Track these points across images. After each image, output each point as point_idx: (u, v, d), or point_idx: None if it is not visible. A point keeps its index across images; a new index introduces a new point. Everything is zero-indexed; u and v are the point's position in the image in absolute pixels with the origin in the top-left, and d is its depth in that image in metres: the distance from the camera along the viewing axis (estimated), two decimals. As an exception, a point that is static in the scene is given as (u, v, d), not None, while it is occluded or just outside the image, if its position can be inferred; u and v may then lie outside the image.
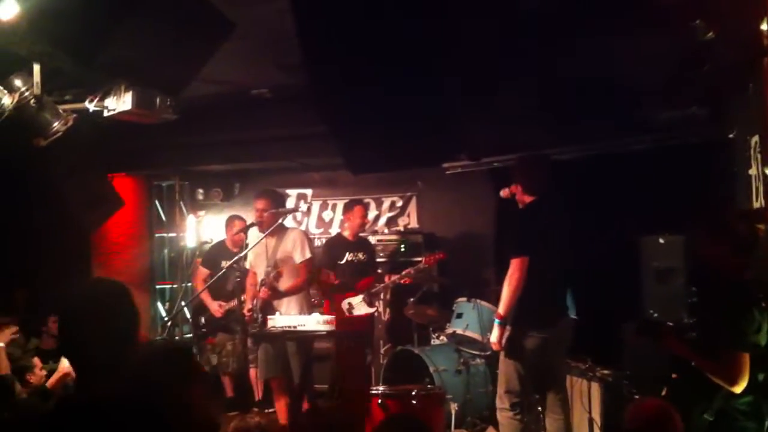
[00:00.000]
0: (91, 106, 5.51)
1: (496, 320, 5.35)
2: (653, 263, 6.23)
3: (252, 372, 7.64)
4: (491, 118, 5.96)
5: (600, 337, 6.04)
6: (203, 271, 8.06)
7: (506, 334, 5.33)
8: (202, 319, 8.29)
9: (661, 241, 6.22)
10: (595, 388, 5.82)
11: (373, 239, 8.60)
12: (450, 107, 5.26)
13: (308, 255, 6.52)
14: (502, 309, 5.31)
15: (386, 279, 7.58)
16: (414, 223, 9.28)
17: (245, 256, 6.64)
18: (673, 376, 4.07)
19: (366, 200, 8.87)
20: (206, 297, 7.85)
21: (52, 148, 5.72)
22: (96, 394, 2.41)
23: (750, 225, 3.87)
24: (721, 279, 3.94)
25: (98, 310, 2.51)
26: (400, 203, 9.37)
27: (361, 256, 7.58)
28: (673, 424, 3.52)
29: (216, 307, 7.89)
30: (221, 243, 8.29)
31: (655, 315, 5.77)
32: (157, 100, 5.43)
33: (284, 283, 6.48)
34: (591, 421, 5.71)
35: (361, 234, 7.88)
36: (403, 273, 7.57)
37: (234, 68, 6.43)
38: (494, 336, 5.35)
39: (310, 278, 6.62)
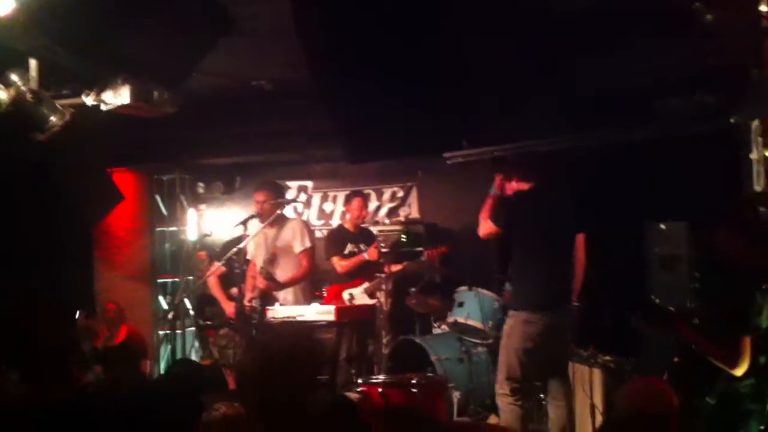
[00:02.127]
0: (88, 100, 5.49)
1: None
2: (656, 250, 6.22)
3: None
4: (492, 107, 5.95)
5: (602, 324, 6.04)
6: (215, 265, 7.96)
7: (507, 319, 5.37)
8: (206, 311, 8.26)
9: (663, 227, 6.20)
10: (597, 374, 5.81)
11: (374, 230, 8.57)
12: (448, 95, 5.26)
13: (308, 244, 6.54)
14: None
15: (387, 269, 7.57)
16: (415, 214, 9.26)
17: (244, 249, 6.61)
18: (675, 359, 4.08)
19: (366, 191, 8.85)
20: (221, 295, 7.78)
21: (51, 143, 5.71)
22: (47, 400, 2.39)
23: (753, 210, 3.87)
24: (723, 264, 3.94)
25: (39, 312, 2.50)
26: (401, 194, 9.35)
27: (363, 247, 7.57)
28: (668, 402, 3.49)
29: (231, 309, 7.73)
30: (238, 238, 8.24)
31: (658, 302, 5.75)
32: (155, 93, 5.41)
33: (283, 273, 6.48)
34: (593, 407, 5.71)
35: (363, 225, 7.88)
36: (405, 264, 7.57)
37: (234, 61, 6.42)
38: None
39: (311, 268, 6.62)
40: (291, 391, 2.79)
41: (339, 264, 7.47)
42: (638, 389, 3.57)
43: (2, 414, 2.59)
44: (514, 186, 5.66)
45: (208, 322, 8.25)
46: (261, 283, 6.43)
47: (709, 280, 4.00)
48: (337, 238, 7.65)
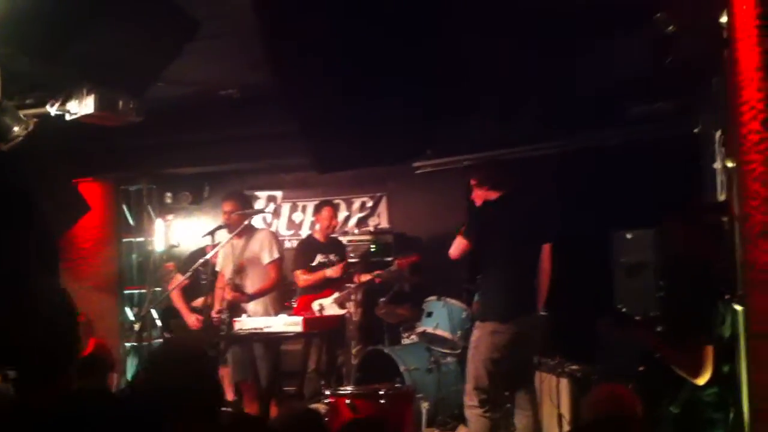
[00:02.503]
0: (53, 110, 5.44)
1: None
2: (622, 258, 6.26)
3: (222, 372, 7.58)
4: (459, 116, 5.96)
5: (569, 333, 6.06)
6: (178, 278, 7.87)
7: (473, 330, 5.39)
8: (171, 324, 8.17)
9: (629, 236, 6.26)
10: (564, 383, 5.84)
11: (343, 240, 8.56)
12: (417, 105, 5.26)
13: (276, 255, 6.49)
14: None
15: (356, 279, 7.55)
16: (384, 223, 9.26)
17: (212, 260, 6.56)
18: (640, 368, 4.10)
19: (336, 201, 8.83)
20: (183, 308, 7.66)
21: (15, 153, 5.63)
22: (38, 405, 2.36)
23: (716, 217, 3.91)
24: (686, 272, 3.97)
25: (39, 316, 2.47)
26: (370, 203, 9.35)
27: (332, 257, 7.55)
28: (631, 408, 3.50)
29: (193, 320, 7.64)
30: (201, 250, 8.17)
31: (624, 310, 5.79)
32: (120, 102, 5.38)
33: (252, 284, 6.43)
34: (560, 416, 5.73)
35: (332, 235, 7.85)
36: (375, 274, 7.55)
37: (200, 68, 6.38)
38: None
39: (279, 279, 6.58)
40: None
41: (301, 278, 7.45)
42: (602, 396, 3.59)
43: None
44: (481, 195, 5.69)
45: (169, 335, 8.14)
46: (228, 294, 6.38)
47: (673, 288, 4.03)
48: (306, 249, 7.62)
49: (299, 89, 5.01)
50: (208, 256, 6.34)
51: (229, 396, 7.51)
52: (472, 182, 5.77)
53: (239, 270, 6.46)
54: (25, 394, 2.51)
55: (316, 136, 5.43)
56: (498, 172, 5.76)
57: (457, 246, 5.59)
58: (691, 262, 3.98)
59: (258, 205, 9.18)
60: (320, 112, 5.14)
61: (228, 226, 6.54)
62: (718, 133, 4.64)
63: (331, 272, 7.37)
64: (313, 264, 7.49)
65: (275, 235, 6.86)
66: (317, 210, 7.82)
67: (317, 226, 7.74)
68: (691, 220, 4.06)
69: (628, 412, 3.38)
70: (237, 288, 6.37)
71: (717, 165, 4.76)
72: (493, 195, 5.64)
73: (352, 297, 7.42)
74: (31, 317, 2.44)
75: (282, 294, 7.22)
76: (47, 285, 2.94)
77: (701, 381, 3.72)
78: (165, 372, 2.64)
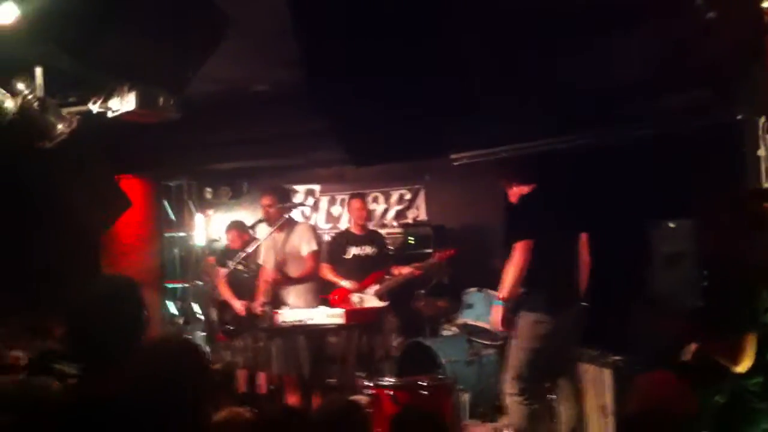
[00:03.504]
0: (94, 107, 5.52)
1: (495, 300, 5.42)
2: (662, 248, 6.18)
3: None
4: (495, 108, 5.94)
5: (611, 324, 6.01)
6: (222, 271, 8.00)
7: (517, 319, 5.37)
8: (227, 318, 8.24)
9: (671, 225, 6.18)
10: (607, 374, 5.79)
11: (381, 232, 8.59)
12: (453, 98, 5.25)
13: (314, 247, 6.63)
14: (504, 291, 5.41)
15: (395, 272, 7.56)
16: (423, 216, 9.26)
17: (254, 254, 6.65)
18: (682, 359, 4.05)
19: (374, 194, 8.87)
20: (229, 296, 7.74)
21: (58, 151, 5.73)
22: (101, 391, 2.41)
23: (760, 203, 3.86)
24: (730, 261, 3.92)
25: (107, 306, 2.51)
26: (408, 196, 9.35)
27: (368, 249, 7.55)
28: (686, 402, 3.46)
29: (239, 306, 7.75)
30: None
31: (664, 300, 5.73)
32: (161, 99, 5.43)
33: (292, 273, 6.54)
34: (603, 407, 5.68)
35: (371, 228, 7.85)
36: (414, 266, 7.55)
37: (236, 65, 6.43)
38: (496, 316, 5.46)
39: (317, 268, 6.70)
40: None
41: (325, 271, 7.37)
42: (656, 387, 3.50)
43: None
44: (516, 191, 5.66)
45: (231, 327, 8.21)
46: (269, 276, 6.47)
47: (716, 277, 3.98)
48: (339, 242, 7.60)
49: (333, 84, 5.03)
50: (249, 250, 6.42)
51: (241, 388, 7.62)
52: (503, 183, 5.73)
53: (282, 263, 6.54)
54: (90, 384, 2.55)
55: (351, 131, 5.45)
56: (524, 167, 5.73)
57: (523, 251, 5.37)
58: (733, 251, 3.94)
59: (297, 198, 9.22)
60: (355, 106, 5.16)
61: (267, 220, 6.61)
62: (762, 120, 4.58)
63: (348, 284, 7.28)
64: (347, 257, 7.47)
65: (314, 228, 7.02)
66: (347, 203, 7.85)
67: (351, 219, 7.75)
68: (733, 208, 4.00)
69: (678, 402, 3.34)
70: (278, 271, 6.49)
71: (761, 152, 4.69)
72: (525, 189, 5.62)
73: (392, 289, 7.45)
74: (99, 307, 2.48)
75: (322, 287, 7.26)
76: (109, 276, 3.01)
77: (742, 369, 3.68)
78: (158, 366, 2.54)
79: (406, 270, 7.53)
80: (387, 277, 7.41)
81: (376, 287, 7.34)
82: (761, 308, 3.71)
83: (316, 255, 6.70)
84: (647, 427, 3.25)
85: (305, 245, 6.63)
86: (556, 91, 5.51)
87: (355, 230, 7.62)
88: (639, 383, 3.61)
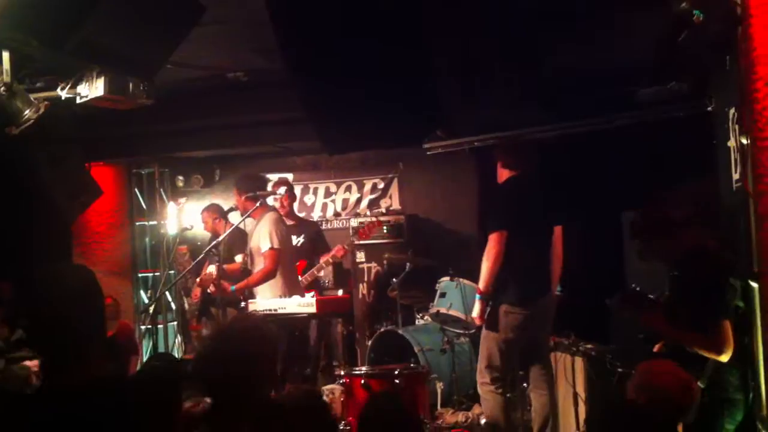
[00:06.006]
0: (63, 93, 5.42)
1: (477, 295, 5.42)
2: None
3: None
4: (471, 97, 5.93)
5: (584, 312, 6.05)
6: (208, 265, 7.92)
7: (488, 309, 5.38)
8: (186, 305, 8.23)
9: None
10: (579, 362, 5.83)
11: (355, 222, 8.57)
12: (427, 85, 5.23)
13: (269, 245, 6.27)
14: (482, 284, 5.39)
15: (321, 260, 7.53)
16: (396, 205, 9.25)
17: (224, 242, 6.53)
18: (656, 347, 4.08)
19: (347, 182, 8.85)
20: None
21: (27, 137, 5.64)
22: (66, 387, 2.37)
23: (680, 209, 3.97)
24: (693, 252, 3.98)
25: (69, 299, 2.46)
26: (381, 185, 9.34)
27: (296, 239, 7.36)
28: (692, 394, 3.46)
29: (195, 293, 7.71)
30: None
31: (637, 288, 5.77)
32: (131, 85, 5.34)
33: (256, 269, 6.41)
34: (576, 395, 5.72)
35: (302, 215, 7.81)
36: (336, 250, 7.54)
37: (210, 52, 6.37)
38: (475, 311, 5.47)
39: (273, 269, 6.32)
40: (250, 384, 2.92)
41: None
42: (665, 380, 3.45)
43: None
44: (501, 172, 5.66)
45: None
46: (213, 288, 6.42)
47: (685, 268, 4.02)
48: None
49: (307, 72, 4.99)
50: (219, 239, 6.34)
51: None
52: (499, 163, 5.70)
53: (250, 257, 6.44)
54: (51, 377, 2.52)
55: (325, 118, 5.41)
56: (513, 151, 5.73)
57: (497, 242, 5.34)
58: (700, 243, 4.01)
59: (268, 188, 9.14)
60: (329, 94, 5.12)
61: (239, 209, 6.55)
62: (732, 111, 4.60)
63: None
64: None
65: (277, 222, 6.51)
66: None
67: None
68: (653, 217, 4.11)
69: (682, 390, 3.36)
70: (211, 281, 6.51)
71: (731, 143, 4.72)
72: (505, 174, 5.63)
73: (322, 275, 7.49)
74: (55, 299, 2.44)
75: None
76: (70, 267, 2.95)
77: (724, 358, 3.72)
78: (234, 342, 2.98)
79: (326, 257, 7.51)
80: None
81: (300, 278, 7.19)
82: (729, 294, 3.77)
83: (272, 254, 6.28)
84: (651, 415, 3.23)
85: (263, 242, 6.29)
86: (534, 81, 5.50)
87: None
88: (644, 370, 3.58)
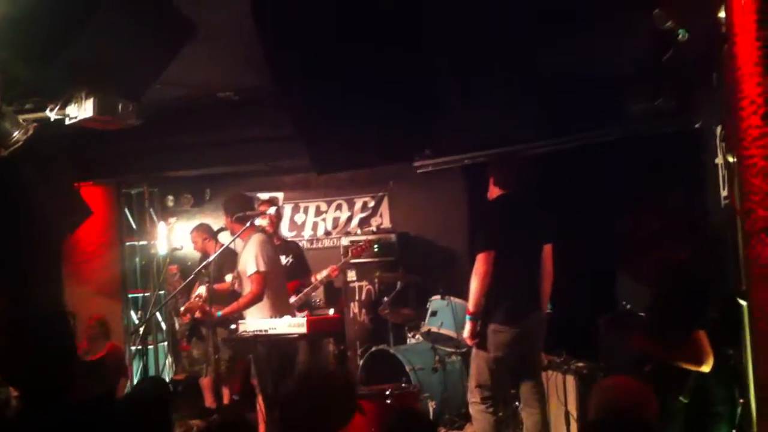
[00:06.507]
0: (52, 114, 5.42)
1: (467, 316, 5.41)
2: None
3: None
4: (460, 115, 5.95)
5: (576, 330, 6.04)
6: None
7: (478, 328, 5.37)
8: (177, 326, 8.19)
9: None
10: (571, 381, 5.82)
11: (345, 240, 8.57)
12: (416, 104, 5.24)
13: (254, 269, 6.15)
14: (471, 304, 5.37)
15: (313, 279, 7.51)
16: (387, 223, 9.26)
17: (214, 262, 6.49)
18: (647, 368, 4.09)
19: (337, 201, 8.84)
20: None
21: (16, 158, 5.63)
22: (45, 411, 2.35)
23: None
24: (663, 265, 4.01)
25: (39, 339, 2.47)
26: (372, 204, 9.34)
27: (284, 260, 7.30)
28: (650, 405, 3.46)
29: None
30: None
31: (628, 306, 5.77)
32: (120, 105, 5.35)
33: (244, 292, 6.36)
34: (567, 414, 5.71)
35: (293, 234, 7.69)
36: (314, 279, 7.53)
37: (199, 71, 6.38)
38: (466, 331, 5.44)
39: (259, 293, 6.17)
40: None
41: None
42: (620, 392, 3.47)
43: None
44: (492, 190, 5.66)
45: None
46: (199, 313, 6.39)
47: (661, 282, 4.05)
48: None
49: (297, 91, 5.00)
50: (209, 260, 6.30)
51: (208, 401, 7.57)
52: (491, 179, 5.70)
53: (239, 279, 6.40)
54: (29, 405, 2.51)
55: (315, 137, 5.41)
56: (504, 169, 5.72)
57: (484, 262, 5.32)
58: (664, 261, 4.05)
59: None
60: (318, 113, 5.13)
61: (229, 229, 6.51)
62: (719, 128, 4.63)
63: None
64: None
65: (264, 243, 6.34)
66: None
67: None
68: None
69: (640, 405, 3.35)
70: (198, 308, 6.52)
71: (719, 160, 4.74)
72: (495, 192, 5.63)
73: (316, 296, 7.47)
74: (26, 335, 2.44)
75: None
76: (39, 296, 2.97)
77: (706, 368, 3.73)
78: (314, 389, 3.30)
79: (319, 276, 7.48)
80: (302, 287, 7.38)
81: (293, 298, 7.18)
82: (705, 306, 3.79)
83: (258, 277, 6.13)
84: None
85: (249, 265, 6.16)
86: (520, 97, 5.52)
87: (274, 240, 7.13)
88: (601, 388, 3.61)
